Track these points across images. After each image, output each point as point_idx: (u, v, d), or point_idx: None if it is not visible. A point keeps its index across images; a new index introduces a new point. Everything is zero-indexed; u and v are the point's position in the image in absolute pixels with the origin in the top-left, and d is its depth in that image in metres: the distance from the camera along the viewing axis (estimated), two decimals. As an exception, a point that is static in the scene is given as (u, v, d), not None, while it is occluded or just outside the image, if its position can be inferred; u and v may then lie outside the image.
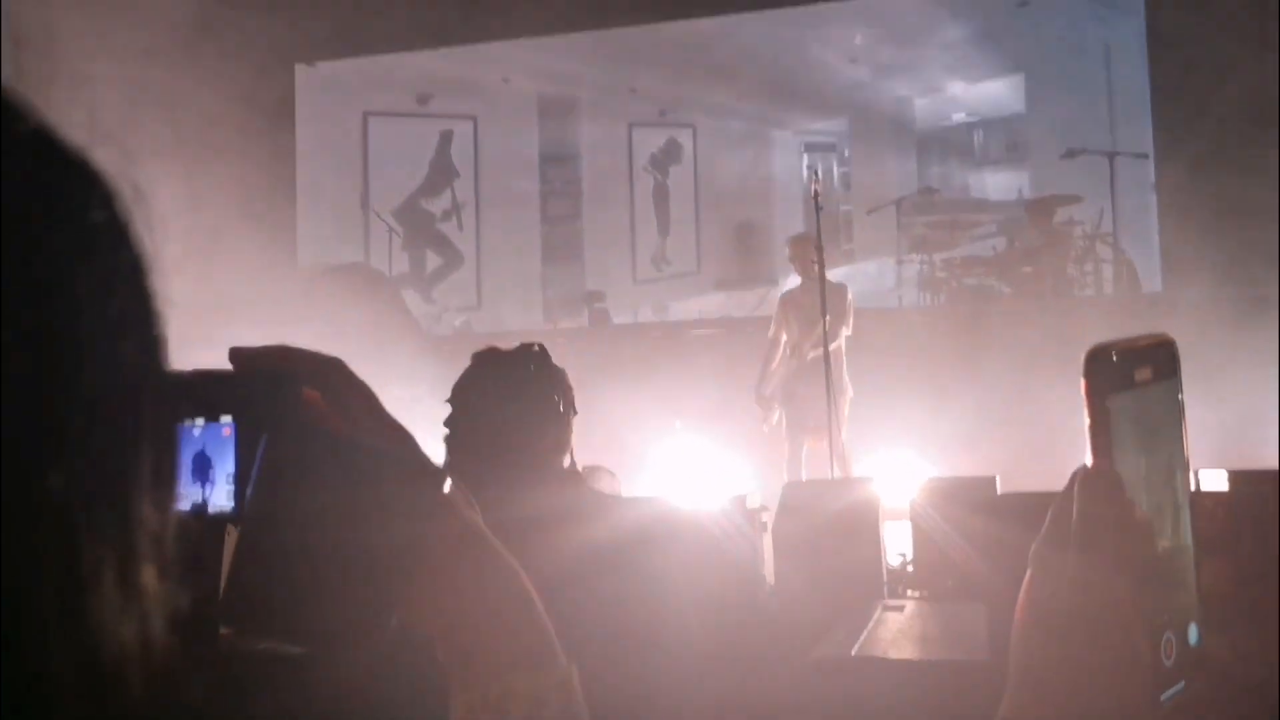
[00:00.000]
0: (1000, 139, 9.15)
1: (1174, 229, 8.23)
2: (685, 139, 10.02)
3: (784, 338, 7.19)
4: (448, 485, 0.65)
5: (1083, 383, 0.64)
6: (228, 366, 0.67)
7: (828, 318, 6.56)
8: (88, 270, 0.38)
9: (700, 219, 9.96)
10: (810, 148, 9.82)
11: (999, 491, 4.33)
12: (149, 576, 0.37)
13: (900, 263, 8.89)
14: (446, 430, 2.11)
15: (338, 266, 9.72)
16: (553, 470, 2.16)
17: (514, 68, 10.07)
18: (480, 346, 2.28)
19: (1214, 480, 3.61)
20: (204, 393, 0.66)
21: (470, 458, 2.07)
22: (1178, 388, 0.67)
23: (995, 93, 9.15)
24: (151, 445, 0.38)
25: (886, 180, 9.15)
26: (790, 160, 9.72)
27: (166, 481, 0.40)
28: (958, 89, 9.25)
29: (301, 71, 10.24)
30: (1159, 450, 0.67)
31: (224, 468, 0.65)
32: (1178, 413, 0.68)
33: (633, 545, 2.09)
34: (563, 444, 2.19)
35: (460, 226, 10.19)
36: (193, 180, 8.58)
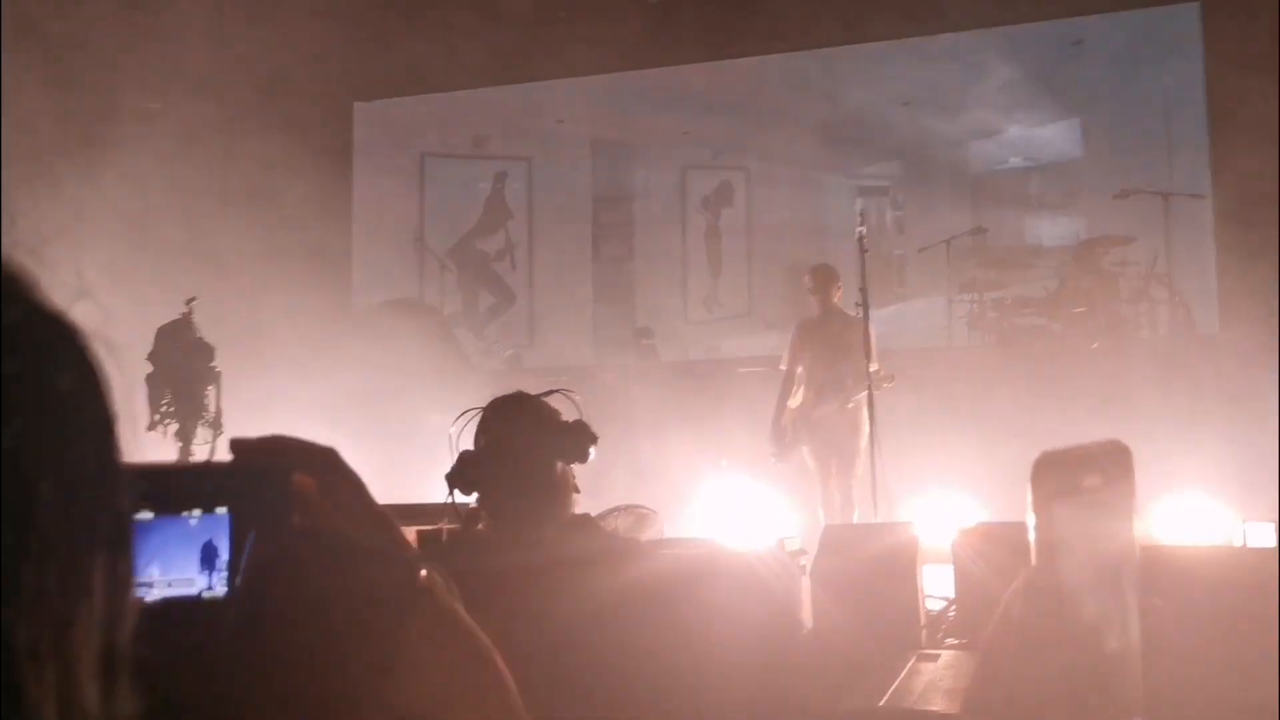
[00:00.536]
0: (1055, 184, 9.10)
1: (1231, 271, 8.12)
2: (738, 181, 10.09)
3: (798, 370, 6.98)
4: (424, 572, 0.69)
5: (1029, 490, 0.67)
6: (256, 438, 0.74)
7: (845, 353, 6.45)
8: (48, 429, 0.42)
9: (752, 261, 10.00)
10: (864, 191, 9.82)
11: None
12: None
13: (951, 302, 8.84)
14: (466, 469, 2.18)
15: (389, 301, 9.90)
16: (567, 513, 2.23)
17: (568, 111, 10.22)
18: (529, 381, 2.38)
19: (1261, 535, 3.55)
20: (203, 485, 0.71)
21: (505, 498, 2.15)
22: (1130, 492, 0.70)
23: (1050, 137, 9.11)
24: (106, 581, 0.43)
25: (940, 224, 9.11)
26: (843, 203, 9.73)
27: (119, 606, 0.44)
28: (1013, 132, 9.22)
29: (360, 109, 10.48)
30: (1108, 553, 0.70)
31: (223, 555, 0.70)
32: (1129, 516, 0.71)
33: (677, 587, 2.16)
34: (570, 488, 2.25)
35: (513, 266, 10.33)
36: (252, 217, 8.81)
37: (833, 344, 6.78)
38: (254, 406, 7.53)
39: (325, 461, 0.74)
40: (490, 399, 2.26)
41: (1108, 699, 0.64)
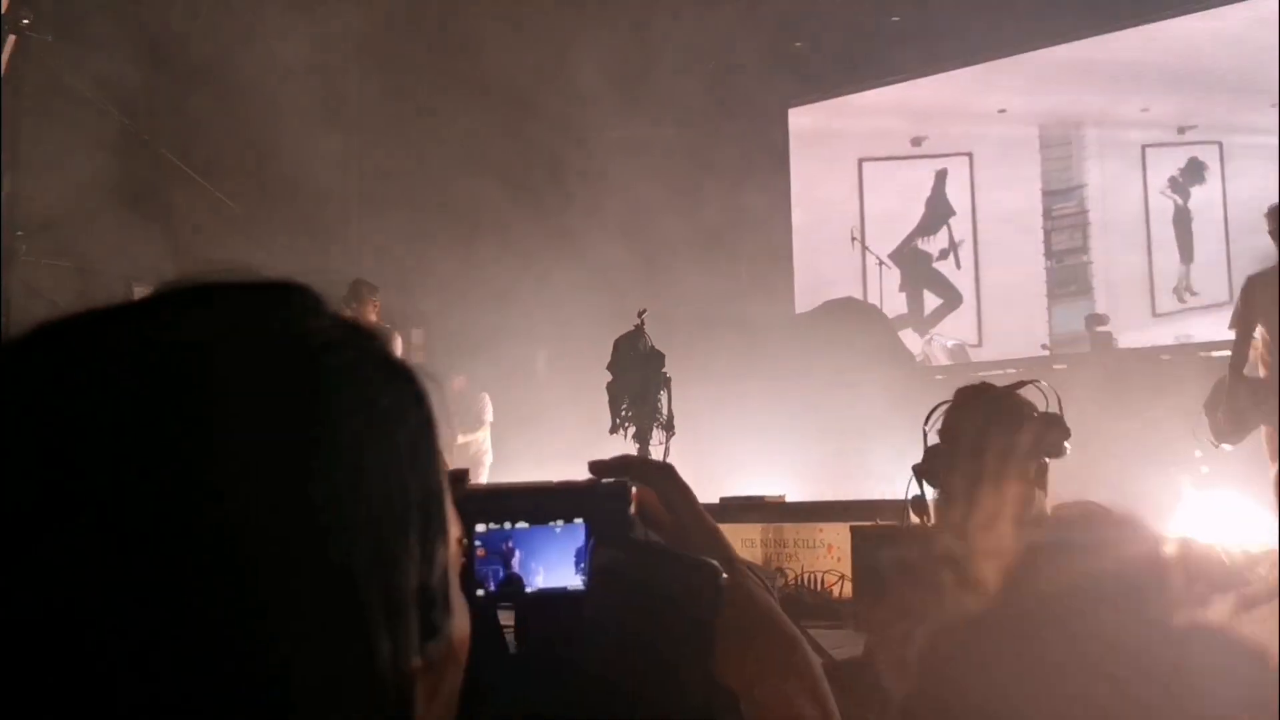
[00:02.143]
0: None
1: None
2: (1210, 157, 9.12)
3: (1255, 334, 5.86)
4: (724, 575, 0.82)
5: None
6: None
7: None
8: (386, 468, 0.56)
9: (1232, 244, 8.98)
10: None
11: None
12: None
13: None
14: (934, 462, 2.18)
15: (830, 302, 9.98)
16: (1036, 510, 2.14)
17: (1010, 96, 9.77)
18: (979, 375, 2.35)
19: None
20: (566, 500, 0.90)
21: (974, 493, 2.06)
22: None
23: None
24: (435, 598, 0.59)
25: None
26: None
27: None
28: None
29: (795, 114, 10.67)
30: None
31: (581, 559, 0.89)
32: None
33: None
34: (1042, 484, 2.17)
35: (958, 265, 10.01)
36: (701, 218, 9.27)
37: None
38: (701, 410, 7.91)
39: (662, 476, 0.91)
40: (956, 391, 2.18)
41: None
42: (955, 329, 9.94)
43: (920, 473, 2.17)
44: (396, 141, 9.63)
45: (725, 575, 0.83)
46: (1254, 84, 8.75)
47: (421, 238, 9.57)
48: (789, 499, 6.56)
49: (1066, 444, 2.10)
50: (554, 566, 0.91)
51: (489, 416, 9.09)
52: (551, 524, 0.91)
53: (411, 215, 9.52)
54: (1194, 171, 9.19)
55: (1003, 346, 9.59)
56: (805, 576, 5.54)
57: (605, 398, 6.56)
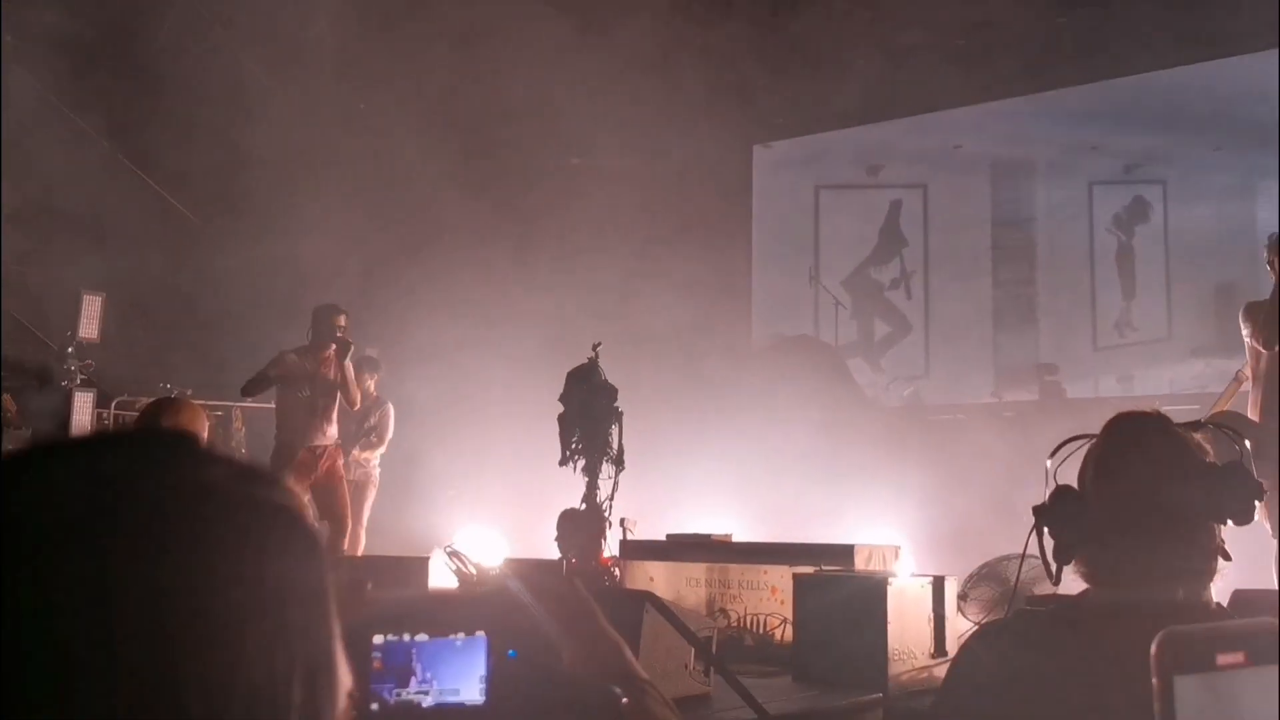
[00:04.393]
0: None
1: None
2: (1154, 196, 9.37)
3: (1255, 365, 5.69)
4: (625, 700, 0.86)
5: None
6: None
7: None
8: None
9: (1171, 281, 9.24)
10: (1308, 198, 8.80)
11: None
12: None
13: None
14: (1069, 509, 1.75)
15: (787, 338, 10.11)
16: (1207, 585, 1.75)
17: (966, 134, 9.97)
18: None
19: None
20: (465, 612, 0.91)
21: (1133, 555, 1.71)
22: None
23: None
24: None
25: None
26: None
27: None
28: None
29: (759, 152, 10.82)
30: None
31: (481, 671, 0.90)
32: None
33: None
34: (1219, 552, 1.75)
35: (908, 295, 10.21)
36: (659, 250, 9.34)
37: None
38: (653, 445, 8.00)
39: (563, 592, 0.92)
40: (1114, 418, 1.80)
41: None
42: (904, 359, 10.12)
43: (1046, 518, 1.70)
44: (358, 155, 9.64)
45: (625, 699, 0.89)
46: (1198, 127, 9.01)
47: (380, 253, 9.60)
48: (737, 538, 6.65)
49: (1258, 507, 1.65)
50: (453, 679, 0.91)
51: (389, 434, 8.49)
52: (453, 636, 0.91)
53: (370, 229, 9.53)
54: (1138, 209, 9.44)
55: (952, 377, 9.78)
56: (748, 619, 5.65)
57: (556, 429, 6.62)
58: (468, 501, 8.98)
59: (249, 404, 9.40)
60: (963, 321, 9.86)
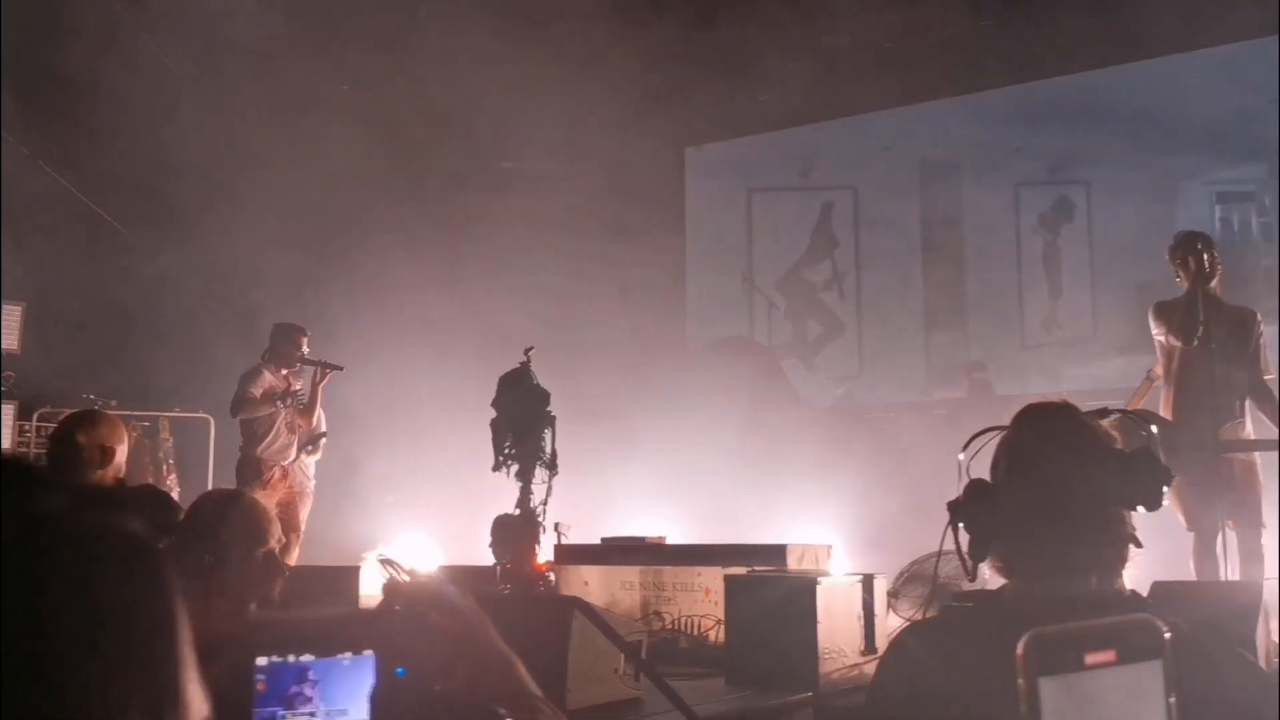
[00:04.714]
0: None
1: None
2: (1078, 196, 9.55)
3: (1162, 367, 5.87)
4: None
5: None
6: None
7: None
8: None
9: (1096, 280, 9.42)
10: (1223, 198, 9.02)
11: None
12: None
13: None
14: (981, 503, 1.72)
15: (722, 340, 10.15)
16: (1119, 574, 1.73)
17: (895, 136, 10.08)
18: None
19: None
20: (353, 631, 0.89)
21: (1040, 547, 1.69)
22: None
23: None
24: None
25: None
26: (1200, 212, 8.97)
27: None
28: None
29: (691, 155, 10.84)
30: None
31: (367, 690, 0.88)
32: None
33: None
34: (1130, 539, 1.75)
35: (841, 295, 10.30)
36: (594, 253, 9.32)
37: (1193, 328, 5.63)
38: (587, 449, 7.98)
39: (460, 607, 0.92)
40: (1023, 410, 1.78)
41: None
42: (837, 358, 10.21)
43: (960, 512, 1.69)
44: (285, 160, 9.51)
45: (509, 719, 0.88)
46: (1120, 129, 9.19)
47: (309, 258, 9.47)
48: (674, 540, 6.66)
49: (1166, 493, 1.66)
50: (341, 700, 0.89)
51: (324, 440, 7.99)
52: (340, 656, 0.89)
53: (299, 233, 9.40)
54: (1063, 209, 9.61)
55: (884, 376, 9.88)
56: (683, 621, 5.66)
57: (489, 434, 6.59)
58: (404, 508, 8.90)
59: (178, 414, 9.24)
60: (895, 321, 9.96)
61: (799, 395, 10.09)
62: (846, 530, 7.32)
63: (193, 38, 9.21)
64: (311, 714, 0.88)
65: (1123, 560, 1.69)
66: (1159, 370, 6.03)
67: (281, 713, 0.87)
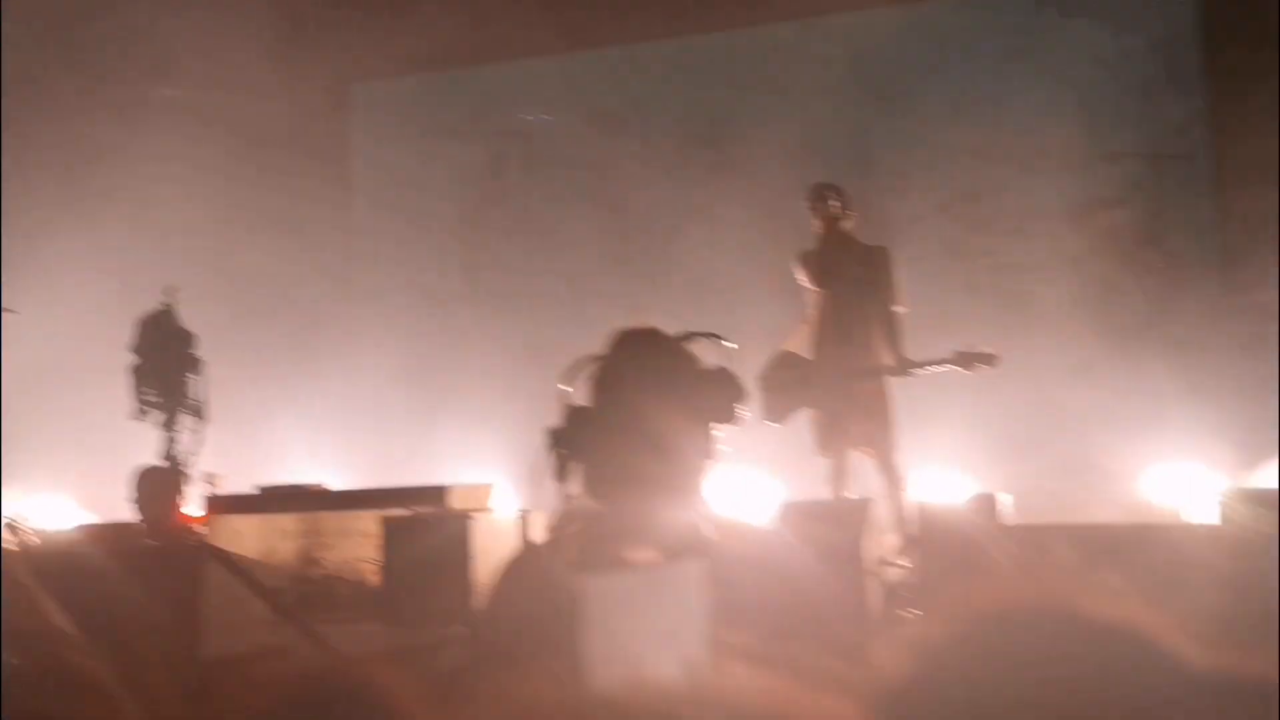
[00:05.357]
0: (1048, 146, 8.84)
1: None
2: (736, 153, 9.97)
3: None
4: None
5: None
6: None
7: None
8: None
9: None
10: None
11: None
12: None
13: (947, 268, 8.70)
14: (575, 427, 1.61)
15: (386, 285, 9.91)
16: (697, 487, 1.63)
17: (561, 83, 10.14)
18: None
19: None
20: None
21: (618, 465, 1.60)
22: None
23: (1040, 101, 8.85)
24: None
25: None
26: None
27: None
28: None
29: (359, 92, 10.46)
30: None
31: None
32: None
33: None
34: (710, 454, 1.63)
35: (512, 242, 10.31)
36: (253, 192, 8.81)
37: (830, 269, 6.10)
38: (246, 397, 7.62)
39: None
40: (613, 335, 1.68)
41: None
42: (510, 298, 10.20)
43: (556, 439, 1.61)
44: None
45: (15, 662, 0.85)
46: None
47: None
48: (342, 488, 6.51)
49: (740, 409, 1.62)
50: None
51: None
52: None
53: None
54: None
55: (557, 313, 9.96)
56: (344, 567, 5.54)
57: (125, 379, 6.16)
58: (28, 466, 8.14)
59: None
60: (564, 268, 10.05)
61: (468, 336, 10.04)
62: (512, 469, 7.37)
63: None
64: None
65: (700, 472, 1.78)
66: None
67: None
